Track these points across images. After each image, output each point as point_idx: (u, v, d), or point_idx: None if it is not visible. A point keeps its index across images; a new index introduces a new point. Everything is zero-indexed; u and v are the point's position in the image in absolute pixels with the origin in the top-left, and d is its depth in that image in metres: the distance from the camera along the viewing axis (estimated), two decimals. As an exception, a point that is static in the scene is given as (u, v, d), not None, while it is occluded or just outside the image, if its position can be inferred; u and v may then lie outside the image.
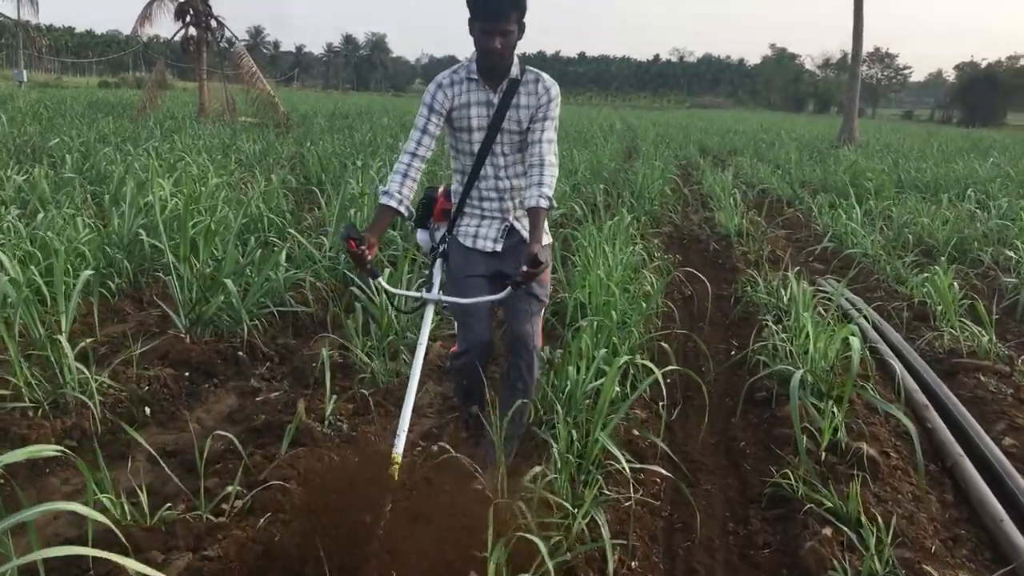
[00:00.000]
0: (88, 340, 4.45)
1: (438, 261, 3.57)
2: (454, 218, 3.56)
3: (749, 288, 7.07)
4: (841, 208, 10.95)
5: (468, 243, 3.50)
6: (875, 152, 23.56)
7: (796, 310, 5.35)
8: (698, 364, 5.65)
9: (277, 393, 4.63)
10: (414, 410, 3.04)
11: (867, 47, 31.53)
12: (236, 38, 29.71)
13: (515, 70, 3.34)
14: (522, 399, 3.49)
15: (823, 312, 5.82)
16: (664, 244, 9.48)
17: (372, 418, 4.15)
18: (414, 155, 3.30)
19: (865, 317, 5.89)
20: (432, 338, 5.22)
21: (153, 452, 3.40)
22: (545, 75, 3.41)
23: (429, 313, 3.26)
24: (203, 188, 7.68)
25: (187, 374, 4.71)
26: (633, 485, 3.59)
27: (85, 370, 4.03)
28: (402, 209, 3.29)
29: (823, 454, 3.93)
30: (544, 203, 3.21)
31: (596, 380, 4.01)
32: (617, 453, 3.24)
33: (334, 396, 4.25)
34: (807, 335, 4.92)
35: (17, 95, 32.34)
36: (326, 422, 4.06)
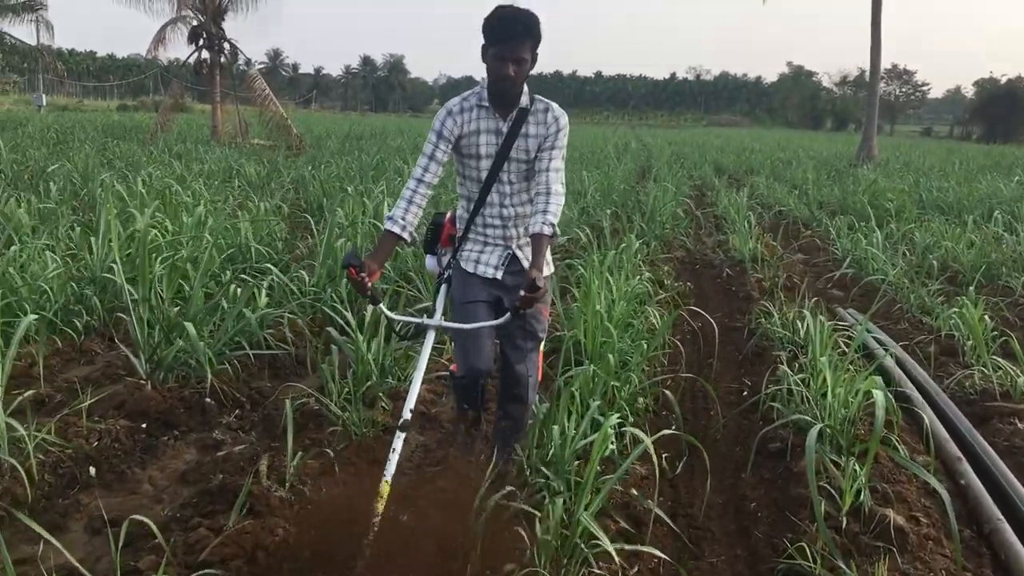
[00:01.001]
0: (30, 392, 4.05)
1: (442, 288, 3.55)
2: (458, 244, 3.56)
3: (763, 320, 6.62)
4: (861, 232, 10.48)
5: (470, 268, 3.51)
6: (895, 170, 23.04)
7: (813, 351, 4.88)
8: (707, 407, 5.21)
9: (242, 447, 4.22)
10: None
11: (885, 64, 31.02)
12: (250, 60, 29.60)
13: (525, 99, 3.36)
14: (514, 435, 3.67)
15: (845, 349, 5.37)
16: (675, 270, 9.05)
17: (338, 480, 3.72)
18: (420, 181, 3.32)
19: (891, 355, 5.40)
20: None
21: (47, 546, 2.90)
22: (555, 105, 3.42)
23: (430, 340, 3.22)
24: (187, 218, 7.32)
25: (144, 425, 4.29)
26: (630, 560, 3.18)
27: (19, 427, 3.62)
28: (405, 235, 3.29)
29: (844, 520, 3.48)
30: (548, 230, 3.20)
31: (592, 432, 3.59)
32: (604, 538, 2.81)
33: (300, 452, 3.84)
34: (824, 379, 4.48)
35: (34, 119, 32.41)
36: (287, 484, 3.64)
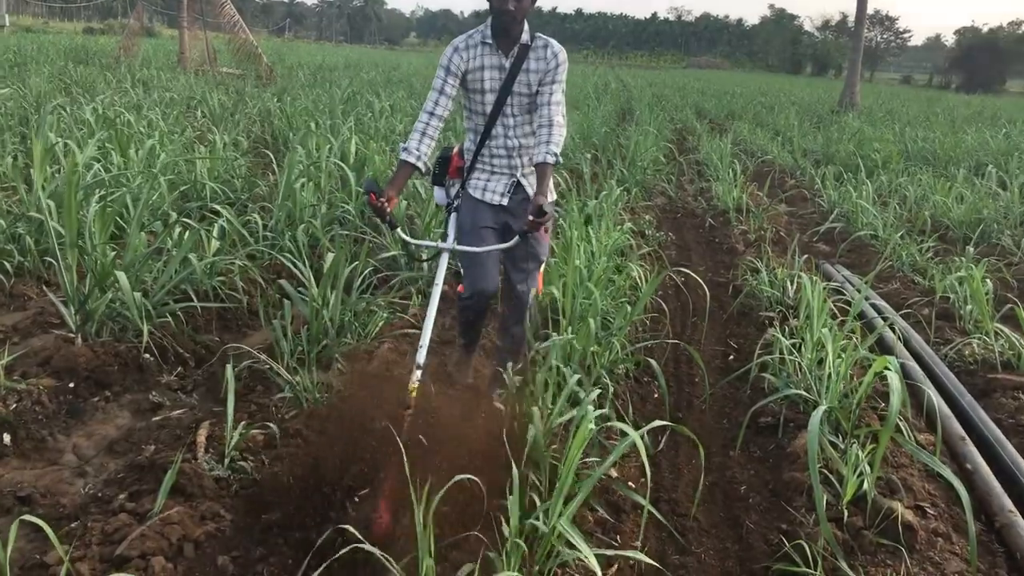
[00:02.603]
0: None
1: (453, 215, 3.78)
2: (466, 174, 3.79)
3: (750, 277, 6.25)
4: (849, 183, 10.09)
5: (477, 195, 3.75)
6: (878, 119, 22.59)
7: (809, 318, 4.50)
8: (691, 372, 4.86)
9: (181, 411, 3.81)
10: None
11: (867, 9, 30.36)
12: (218, -16, 28.38)
13: (526, 36, 3.57)
14: (516, 342, 3.85)
15: (837, 312, 5.02)
16: (656, 219, 8.66)
17: (285, 455, 3.31)
18: (432, 114, 3.53)
19: (889, 325, 5.02)
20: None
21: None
22: (554, 41, 3.64)
23: (444, 261, 3.40)
24: (137, 151, 6.77)
25: (72, 385, 3.84)
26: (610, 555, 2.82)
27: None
28: (420, 165, 3.49)
29: (845, 512, 3.13)
30: (551, 159, 3.43)
31: (570, 409, 3.20)
32: (585, 548, 2.43)
33: (244, 422, 3.44)
34: (820, 343, 4.13)
35: (-5, 39, 31.02)
36: (226, 460, 3.23)
